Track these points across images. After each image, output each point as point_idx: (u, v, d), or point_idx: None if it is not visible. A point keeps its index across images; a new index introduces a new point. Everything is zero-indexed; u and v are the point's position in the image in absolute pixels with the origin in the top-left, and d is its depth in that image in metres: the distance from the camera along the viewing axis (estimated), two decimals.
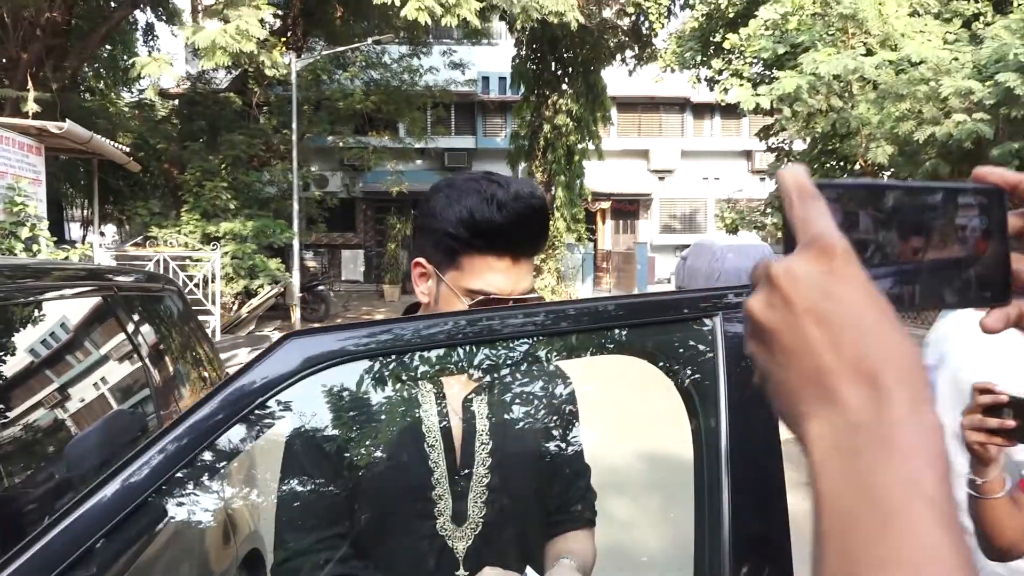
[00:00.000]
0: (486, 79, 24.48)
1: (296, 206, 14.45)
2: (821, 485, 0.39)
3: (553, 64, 18.89)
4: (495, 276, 1.16)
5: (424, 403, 1.23)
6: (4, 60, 13.45)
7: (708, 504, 0.83)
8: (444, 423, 1.21)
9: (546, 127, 18.69)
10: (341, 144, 18.40)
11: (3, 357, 1.97)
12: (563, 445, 1.33)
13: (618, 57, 18.85)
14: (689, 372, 0.96)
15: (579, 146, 18.98)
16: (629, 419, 6.13)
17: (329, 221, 18.80)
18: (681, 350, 0.98)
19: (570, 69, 18.84)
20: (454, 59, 19.68)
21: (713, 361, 0.90)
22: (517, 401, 1.29)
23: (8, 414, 1.92)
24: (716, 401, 0.87)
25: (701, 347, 0.94)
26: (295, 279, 13.92)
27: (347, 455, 1.19)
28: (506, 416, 1.26)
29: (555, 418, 1.33)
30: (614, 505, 4.93)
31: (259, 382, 0.74)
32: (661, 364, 0.96)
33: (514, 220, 1.14)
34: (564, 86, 18.78)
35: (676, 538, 4.36)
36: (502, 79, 23.91)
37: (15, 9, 12.49)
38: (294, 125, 14.21)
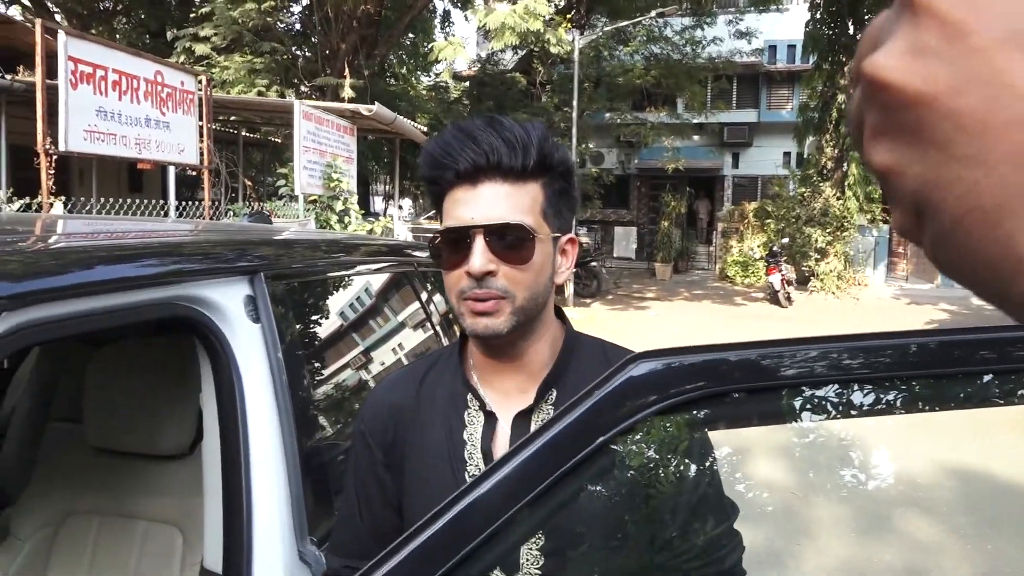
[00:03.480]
0: (773, 48, 22.94)
1: None
2: None
3: (852, 27, 17.15)
4: (457, 207, 0.99)
5: (469, 423, 1.03)
6: (327, 52, 15.16)
7: None
8: (489, 448, 1.01)
9: (840, 97, 17.08)
10: (618, 121, 18.36)
11: (320, 320, 2.16)
12: (676, 508, 0.99)
13: None
14: None
15: None
16: (936, 426, 5.36)
17: (603, 197, 18.92)
18: None
19: None
20: (740, 28, 18.66)
21: None
22: None
23: (323, 372, 2.09)
24: None
25: None
26: None
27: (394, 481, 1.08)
28: None
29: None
30: (916, 525, 4.35)
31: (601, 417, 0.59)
32: None
33: (460, 137, 0.98)
34: None
35: (994, 572, 3.73)
36: (791, 47, 22.29)
37: (337, 3, 13.98)
38: (575, 102, 14.37)
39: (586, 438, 0.59)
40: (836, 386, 0.64)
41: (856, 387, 0.68)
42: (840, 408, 0.63)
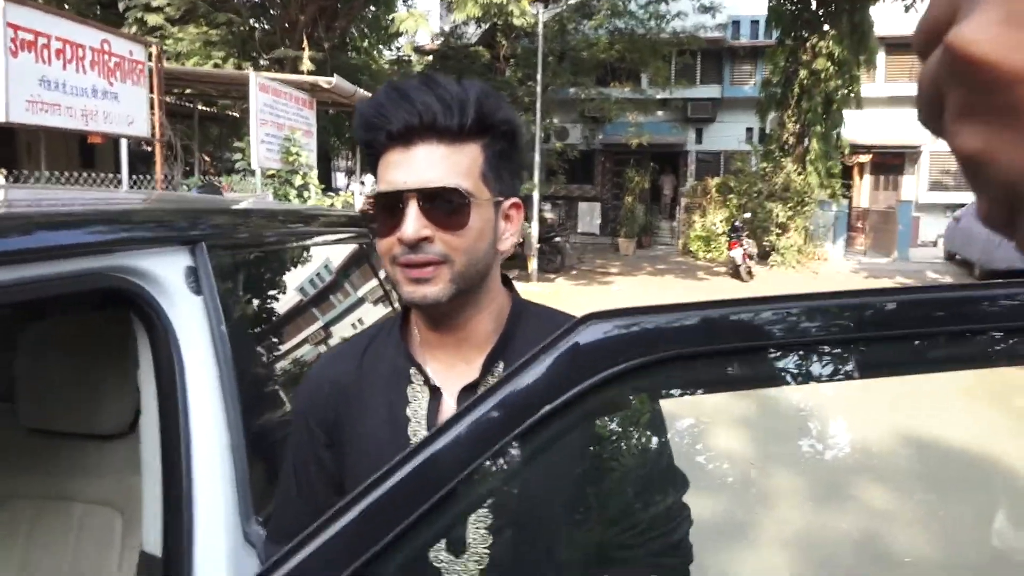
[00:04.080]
0: (736, 23, 22.99)
1: (537, 158, 14.55)
2: None
3: (814, 3, 17.24)
4: (390, 171, 0.93)
5: (413, 399, 0.98)
6: (286, 24, 14.78)
7: None
8: (435, 424, 0.96)
9: (802, 73, 17.19)
10: (583, 96, 18.27)
11: (269, 293, 2.09)
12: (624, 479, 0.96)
13: None
14: None
15: (839, 93, 17.25)
16: (892, 395, 5.46)
17: (568, 173, 18.87)
18: None
19: (833, 7, 17.09)
20: (704, 3, 18.63)
21: None
22: None
23: (272, 346, 2.02)
24: None
25: None
26: (534, 230, 14.11)
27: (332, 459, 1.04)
28: None
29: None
30: (871, 493, 4.43)
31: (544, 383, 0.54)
32: None
33: (393, 97, 0.92)
34: (826, 27, 17.09)
35: (946, 540, 3.81)
36: (754, 22, 22.38)
37: None
38: (539, 77, 14.22)
39: (531, 407, 0.54)
40: (800, 349, 0.60)
41: (818, 349, 0.64)
42: (801, 372, 0.59)
